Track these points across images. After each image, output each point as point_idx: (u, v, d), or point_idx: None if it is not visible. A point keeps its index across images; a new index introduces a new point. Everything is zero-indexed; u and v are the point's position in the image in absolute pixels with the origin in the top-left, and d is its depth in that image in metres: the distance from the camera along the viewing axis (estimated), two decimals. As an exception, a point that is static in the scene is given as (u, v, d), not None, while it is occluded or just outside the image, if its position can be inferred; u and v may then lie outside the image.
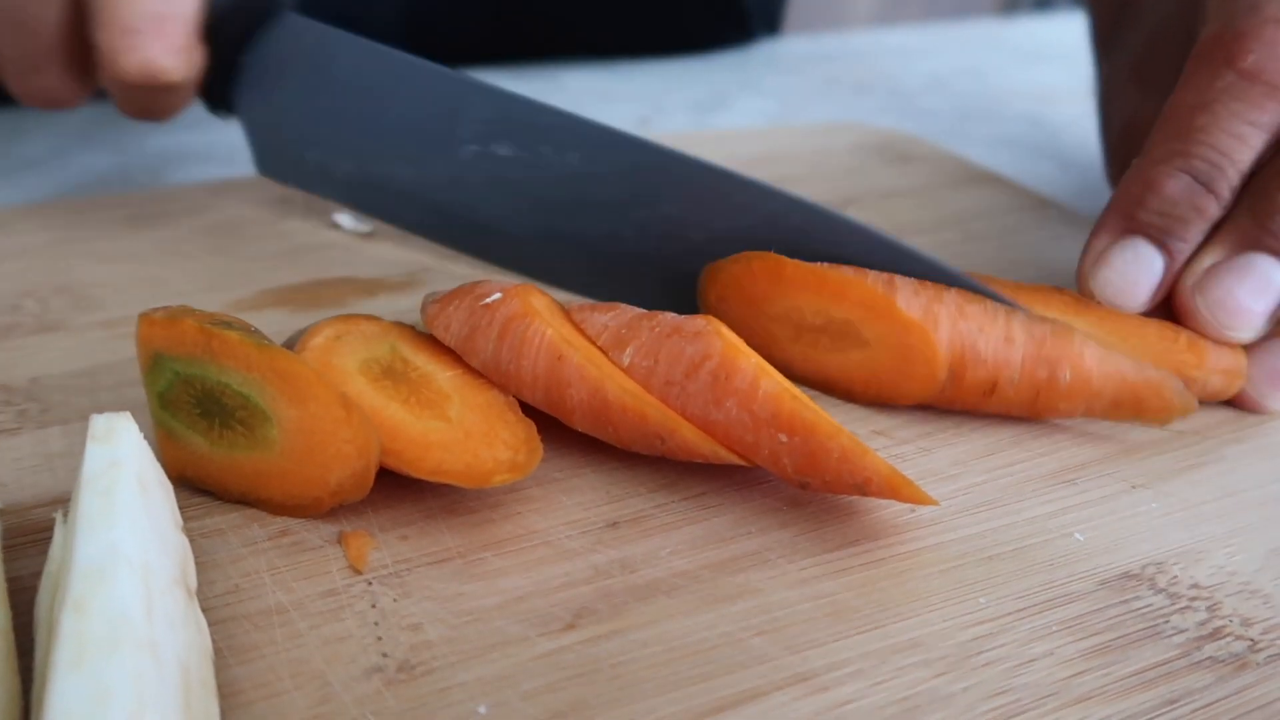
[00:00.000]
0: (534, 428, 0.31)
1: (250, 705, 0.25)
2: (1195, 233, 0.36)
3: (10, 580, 0.27)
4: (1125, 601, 0.29)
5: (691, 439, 0.30)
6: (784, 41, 0.91)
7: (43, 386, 0.36)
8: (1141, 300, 0.36)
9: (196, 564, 0.28)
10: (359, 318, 0.34)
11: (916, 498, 0.29)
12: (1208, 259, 0.36)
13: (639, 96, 0.73)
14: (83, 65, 0.45)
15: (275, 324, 0.41)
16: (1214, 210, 0.36)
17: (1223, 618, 0.29)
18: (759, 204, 0.38)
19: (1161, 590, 0.30)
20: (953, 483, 0.33)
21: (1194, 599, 0.29)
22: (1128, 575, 0.30)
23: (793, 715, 0.25)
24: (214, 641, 0.26)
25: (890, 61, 0.87)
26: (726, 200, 0.38)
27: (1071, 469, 0.34)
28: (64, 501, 0.30)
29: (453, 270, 0.45)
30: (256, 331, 0.30)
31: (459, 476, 0.29)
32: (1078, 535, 0.31)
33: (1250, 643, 0.28)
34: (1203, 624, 0.28)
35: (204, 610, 0.27)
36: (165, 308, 0.30)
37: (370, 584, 0.28)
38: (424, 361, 0.32)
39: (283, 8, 0.45)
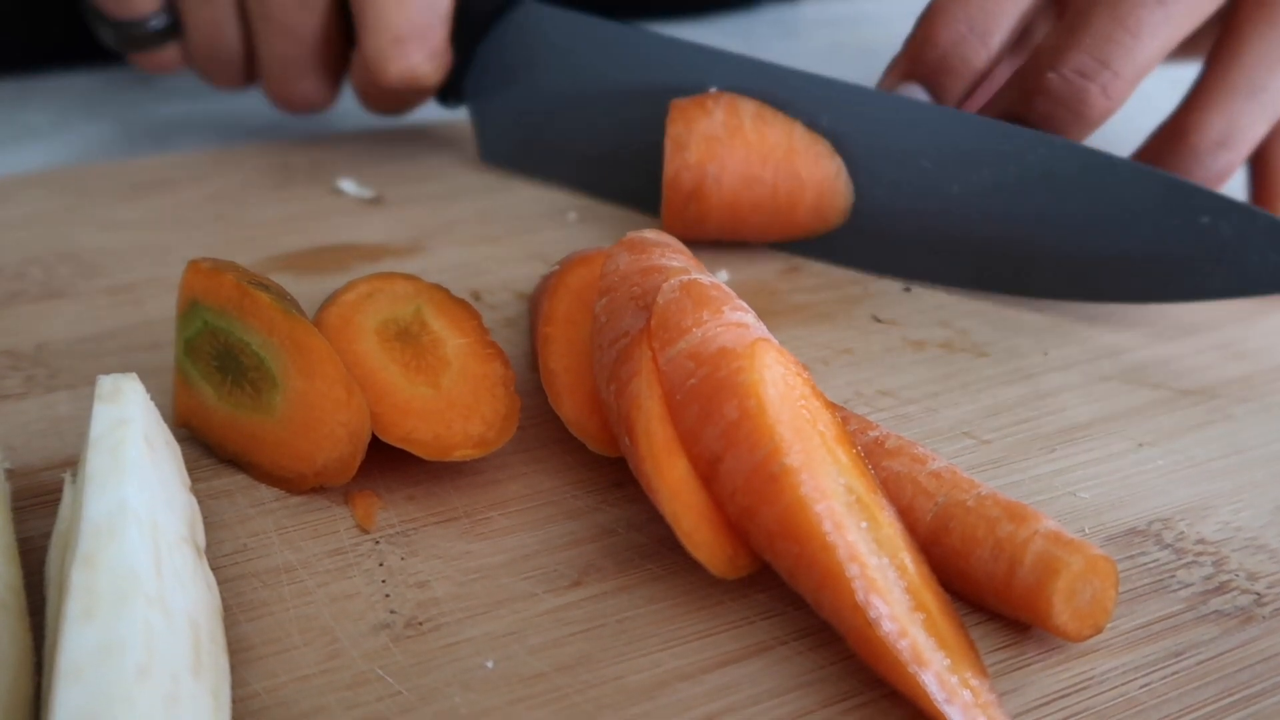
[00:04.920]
0: (518, 404, 0.31)
1: (260, 660, 0.25)
2: (962, 84, 0.40)
3: (20, 541, 0.27)
4: (1131, 557, 0.29)
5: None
6: (791, 7, 0.90)
7: (49, 352, 0.36)
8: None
9: (205, 524, 0.28)
10: (396, 276, 0.34)
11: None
12: None
13: (643, 62, 0.72)
14: (337, 70, 0.48)
15: (280, 289, 0.41)
16: (983, 61, 0.39)
17: (1229, 572, 0.29)
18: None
19: (1168, 546, 0.30)
20: (959, 441, 0.33)
21: (1200, 554, 0.29)
22: (1134, 531, 0.30)
23: (797, 668, 0.25)
24: (223, 599, 0.26)
25: (899, 26, 0.86)
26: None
27: (1078, 427, 0.34)
28: (72, 464, 0.31)
29: (458, 235, 0.45)
30: (290, 299, 0.30)
31: (422, 447, 0.29)
32: (1083, 495, 0.31)
33: (1256, 596, 0.28)
34: (1208, 578, 0.28)
35: (213, 569, 0.27)
36: (214, 259, 0.31)
37: (377, 543, 0.29)
38: (441, 326, 0.32)
39: None
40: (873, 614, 0.23)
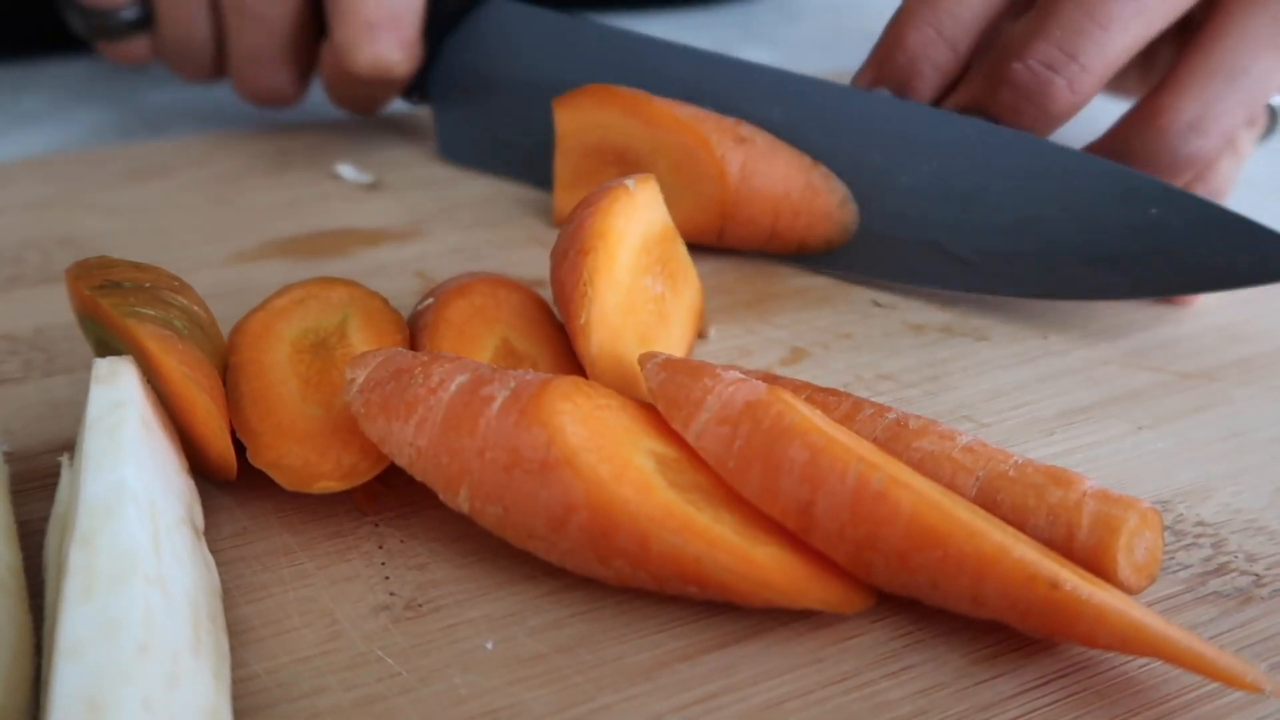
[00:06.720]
0: None
1: (260, 642, 0.25)
2: (930, 88, 0.40)
3: (20, 523, 0.27)
4: (1130, 539, 0.29)
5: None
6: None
7: (47, 336, 0.36)
8: None
9: (204, 506, 0.28)
10: (337, 283, 0.33)
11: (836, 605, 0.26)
12: None
13: (642, 48, 0.72)
14: (308, 63, 0.48)
15: (277, 274, 0.40)
16: (951, 65, 0.39)
17: (1228, 554, 0.29)
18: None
19: (1167, 528, 0.29)
20: (959, 425, 0.33)
21: (1200, 536, 0.29)
22: (1133, 513, 0.30)
23: (796, 649, 0.25)
24: (223, 581, 0.26)
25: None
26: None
27: (1078, 411, 0.34)
28: (70, 447, 0.31)
29: (457, 220, 0.45)
30: (167, 297, 0.29)
31: (286, 474, 0.28)
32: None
33: (1255, 578, 0.28)
34: (1208, 560, 0.28)
35: (212, 552, 0.27)
36: (82, 261, 0.29)
37: (376, 525, 0.29)
38: (361, 340, 0.31)
39: None
40: (1049, 575, 0.23)
